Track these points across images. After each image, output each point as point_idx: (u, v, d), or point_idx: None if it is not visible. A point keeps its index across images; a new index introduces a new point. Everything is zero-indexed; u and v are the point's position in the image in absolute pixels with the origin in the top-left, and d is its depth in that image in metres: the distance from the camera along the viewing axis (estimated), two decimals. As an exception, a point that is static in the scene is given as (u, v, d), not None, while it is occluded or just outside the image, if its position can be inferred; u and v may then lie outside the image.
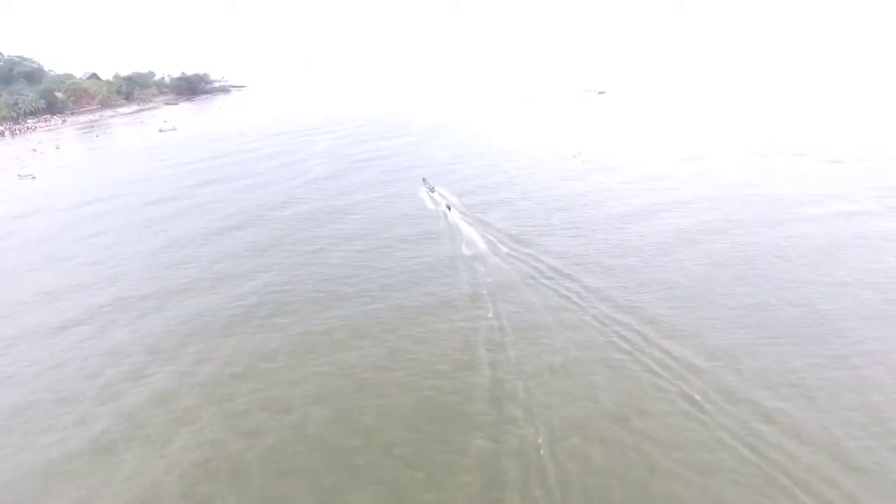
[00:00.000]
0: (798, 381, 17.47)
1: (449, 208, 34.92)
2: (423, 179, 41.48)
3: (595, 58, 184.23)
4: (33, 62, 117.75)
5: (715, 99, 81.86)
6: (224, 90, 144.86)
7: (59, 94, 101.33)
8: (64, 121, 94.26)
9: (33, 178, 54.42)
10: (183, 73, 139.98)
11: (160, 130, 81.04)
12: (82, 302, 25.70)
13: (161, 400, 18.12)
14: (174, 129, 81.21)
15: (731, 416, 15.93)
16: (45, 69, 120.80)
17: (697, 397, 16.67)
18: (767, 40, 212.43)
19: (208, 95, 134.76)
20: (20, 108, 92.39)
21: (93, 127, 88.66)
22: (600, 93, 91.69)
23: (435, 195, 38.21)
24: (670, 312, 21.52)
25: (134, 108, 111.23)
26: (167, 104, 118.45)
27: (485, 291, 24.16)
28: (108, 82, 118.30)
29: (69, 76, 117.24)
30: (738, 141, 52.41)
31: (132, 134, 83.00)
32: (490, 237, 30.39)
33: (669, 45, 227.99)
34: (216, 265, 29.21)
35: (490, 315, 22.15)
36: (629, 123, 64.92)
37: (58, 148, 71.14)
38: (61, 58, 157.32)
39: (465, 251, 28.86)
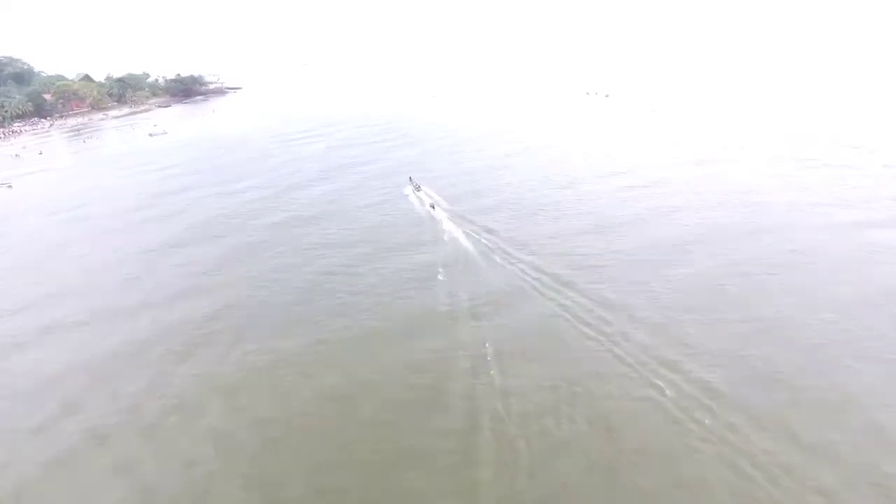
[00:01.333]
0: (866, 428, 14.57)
1: (433, 207, 34.36)
2: (410, 178, 41.22)
3: (596, 58, 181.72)
4: (23, 63, 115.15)
5: (722, 100, 79.02)
6: (219, 92, 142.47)
7: (47, 97, 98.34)
8: (51, 124, 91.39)
9: (9, 186, 51.57)
10: (178, 75, 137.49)
11: (150, 134, 78.43)
12: (19, 325, 22.94)
13: (76, 459, 15.10)
14: (164, 133, 78.62)
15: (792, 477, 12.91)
16: (36, 70, 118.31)
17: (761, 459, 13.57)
18: (774, 39, 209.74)
19: (203, 97, 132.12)
20: (6, 112, 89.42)
21: (80, 131, 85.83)
22: (606, 96, 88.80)
23: (420, 194, 37.75)
24: (691, 341, 18.51)
25: (125, 110, 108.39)
26: (160, 106, 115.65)
27: (469, 305, 21.67)
28: (99, 84, 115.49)
29: (60, 77, 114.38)
30: (747, 145, 49.83)
31: (120, 138, 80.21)
32: (481, 240, 28.28)
33: (671, 44, 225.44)
34: (178, 281, 26.56)
35: (475, 336, 19.58)
36: (637, 127, 62.10)
37: (41, 153, 68.33)
38: (56, 58, 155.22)
39: (450, 256, 26.65)
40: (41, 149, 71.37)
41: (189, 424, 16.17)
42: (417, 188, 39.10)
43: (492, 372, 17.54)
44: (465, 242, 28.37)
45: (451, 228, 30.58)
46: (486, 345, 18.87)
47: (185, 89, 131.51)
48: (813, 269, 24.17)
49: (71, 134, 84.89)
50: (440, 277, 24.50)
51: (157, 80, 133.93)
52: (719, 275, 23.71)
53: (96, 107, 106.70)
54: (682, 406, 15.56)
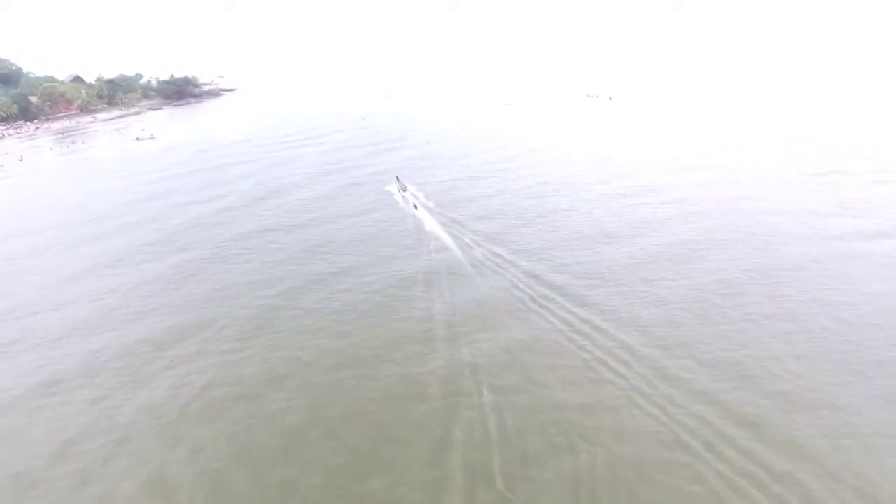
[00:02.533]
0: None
1: (416, 207, 34.05)
2: (397, 178, 40.74)
3: (596, 59, 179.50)
4: (11, 64, 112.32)
5: (724, 104, 76.70)
6: (214, 94, 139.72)
7: (33, 99, 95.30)
8: (37, 127, 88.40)
9: (-20, 196, 48.83)
10: (171, 76, 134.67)
11: (137, 139, 75.72)
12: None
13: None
14: (152, 138, 75.82)
15: None
16: (25, 71, 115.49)
17: None
18: (779, 44, 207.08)
19: (196, 99, 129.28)
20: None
21: (65, 135, 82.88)
22: (609, 98, 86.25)
23: (406, 194, 37.29)
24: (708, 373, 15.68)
25: (115, 113, 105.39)
26: (151, 109, 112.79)
27: (457, 330, 19.46)
28: (89, 86, 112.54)
29: (50, 79, 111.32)
30: (748, 148, 48.64)
31: (107, 143, 77.39)
32: (476, 251, 26.55)
33: (670, 44, 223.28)
34: (135, 299, 24.21)
35: (461, 365, 17.19)
36: (639, 130, 59.73)
37: (21, 160, 65.50)
38: (51, 59, 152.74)
39: (438, 268, 24.89)
40: (22, 154, 68.56)
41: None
42: (403, 188, 38.32)
43: (483, 410, 15.10)
44: (457, 252, 26.28)
45: (441, 235, 28.80)
46: (484, 390, 16.17)
47: (178, 91, 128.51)
48: (817, 282, 22.34)
49: (56, 138, 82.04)
50: (422, 293, 22.27)
51: (149, 82, 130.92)
52: (719, 289, 22.13)
53: (85, 109, 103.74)
54: (720, 456, 13.27)
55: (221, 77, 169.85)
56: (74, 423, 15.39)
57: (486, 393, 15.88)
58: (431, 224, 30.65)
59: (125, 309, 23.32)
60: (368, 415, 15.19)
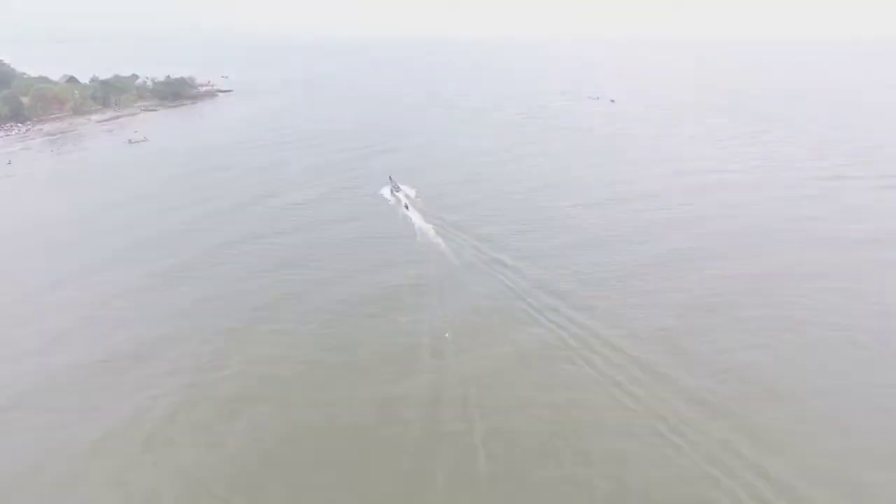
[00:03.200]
0: None
1: (407, 207, 34.16)
2: (390, 177, 40.15)
3: (598, 60, 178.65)
4: (3, 65, 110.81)
5: (729, 103, 75.62)
6: (210, 95, 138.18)
7: (25, 100, 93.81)
8: (28, 129, 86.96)
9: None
10: (168, 77, 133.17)
11: (129, 141, 74.63)
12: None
13: None
14: (144, 140, 74.71)
15: None
16: (18, 71, 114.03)
17: None
18: (776, 35, 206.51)
19: (192, 101, 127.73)
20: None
21: (56, 137, 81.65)
22: (611, 101, 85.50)
23: (399, 194, 37.00)
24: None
25: (109, 114, 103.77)
26: (146, 110, 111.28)
27: (437, 339, 18.62)
28: (83, 86, 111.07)
29: (43, 79, 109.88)
30: (748, 147, 48.40)
31: (98, 145, 76.15)
32: (467, 255, 26.18)
33: (671, 44, 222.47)
34: (119, 310, 23.18)
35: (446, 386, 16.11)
36: (638, 131, 58.66)
37: (9, 163, 64.19)
38: (47, 59, 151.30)
39: (424, 269, 24.53)
40: (9, 158, 67.25)
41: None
42: (396, 188, 38.00)
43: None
44: (451, 258, 25.69)
45: (434, 240, 28.12)
46: (476, 412, 15.05)
47: (175, 92, 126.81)
48: (827, 294, 21.58)
49: (47, 140, 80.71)
50: (412, 304, 21.59)
51: (144, 83, 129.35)
52: (723, 300, 21.17)
53: (78, 111, 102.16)
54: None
55: (225, 77, 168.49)
56: (21, 459, 14.17)
57: (477, 418, 14.73)
58: (424, 227, 29.81)
59: (102, 322, 22.28)
60: (346, 446, 14.07)
